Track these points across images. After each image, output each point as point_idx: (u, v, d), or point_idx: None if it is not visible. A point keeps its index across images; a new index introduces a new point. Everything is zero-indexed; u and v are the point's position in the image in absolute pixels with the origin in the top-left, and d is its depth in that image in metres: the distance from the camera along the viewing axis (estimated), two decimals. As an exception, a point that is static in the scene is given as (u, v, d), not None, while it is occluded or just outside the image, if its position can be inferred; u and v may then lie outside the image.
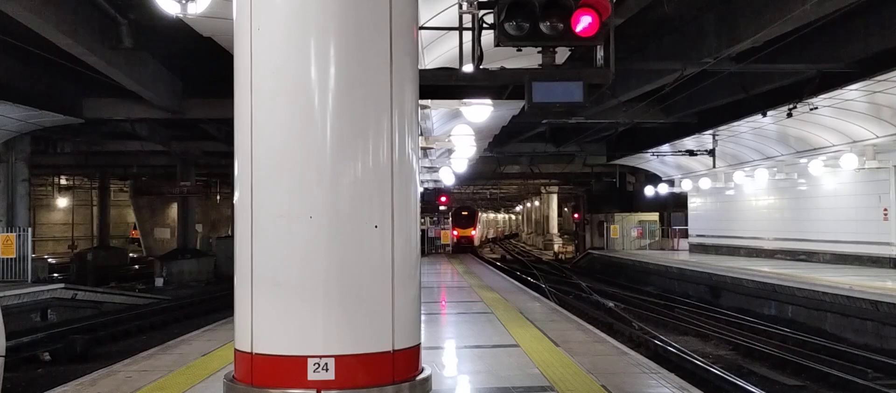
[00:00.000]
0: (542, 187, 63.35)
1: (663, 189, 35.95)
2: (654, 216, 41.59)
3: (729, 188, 29.76)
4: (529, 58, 6.54)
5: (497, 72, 6.35)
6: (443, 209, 50.21)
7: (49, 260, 35.82)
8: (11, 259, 21.40)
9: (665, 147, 29.91)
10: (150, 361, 9.57)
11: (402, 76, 3.49)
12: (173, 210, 43.25)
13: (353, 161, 3.38)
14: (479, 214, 66.74)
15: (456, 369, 9.27)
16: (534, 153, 36.79)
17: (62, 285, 22.02)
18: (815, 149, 22.52)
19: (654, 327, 17.78)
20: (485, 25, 6.03)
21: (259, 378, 3.39)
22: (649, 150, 30.69)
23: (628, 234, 40.51)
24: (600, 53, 5.89)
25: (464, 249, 51.90)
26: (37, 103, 20.71)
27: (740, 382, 11.29)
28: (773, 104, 19.41)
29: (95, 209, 47.93)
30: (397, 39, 3.46)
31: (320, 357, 3.30)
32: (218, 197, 51.16)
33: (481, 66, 6.21)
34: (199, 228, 43.52)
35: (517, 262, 46.84)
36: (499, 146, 31.72)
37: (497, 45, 5.82)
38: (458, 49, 6.52)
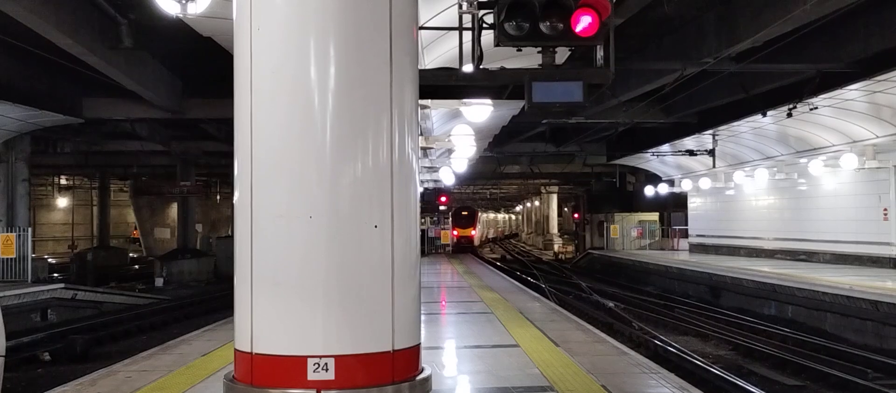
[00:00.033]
0: (542, 187, 63.36)
1: (663, 189, 35.95)
2: (654, 216, 41.59)
3: (729, 188, 29.76)
4: (529, 58, 6.54)
5: (497, 72, 6.35)
6: (443, 209, 50.20)
7: (49, 260, 35.82)
8: (11, 259, 21.39)
9: (665, 147, 29.91)
10: (150, 361, 9.57)
11: (402, 76, 3.50)
12: (173, 210, 43.25)
13: (353, 161, 3.38)
14: (479, 213, 66.75)
15: (456, 369, 9.27)
16: (534, 153, 36.78)
17: (62, 285, 22.02)
18: (815, 149, 22.52)
19: (654, 327, 17.78)
20: (485, 25, 6.03)
21: (259, 378, 3.39)
22: (649, 150, 30.69)
23: (628, 234, 40.51)
24: (600, 53, 5.88)
25: (464, 249, 51.91)
26: (37, 103, 20.71)
27: (740, 382, 11.29)
28: (773, 104, 19.41)
29: (95, 209, 47.93)
30: (397, 39, 3.46)
31: (320, 357, 3.30)
32: (218, 197, 51.17)
33: (481, 66, 6.21)
34: (199, 228, 43.54)
35: (517, 262, 46.84)
36: (499, 146, 31.72)
37: (497, 45, 5.82)
38: (458, 49, 6.52)
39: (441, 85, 7.34)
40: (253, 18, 3.41)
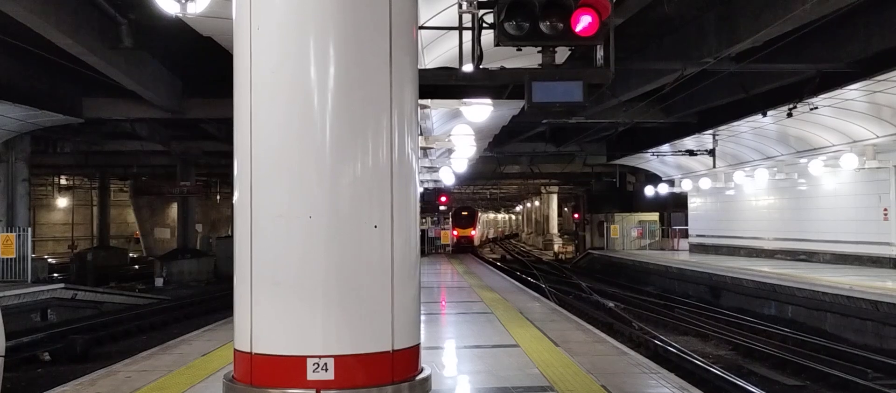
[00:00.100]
0: (542, 187, 63.36)
1: (663, 189, 35.95)
2: (654, 216, 41.58)
3: (729, 188, 29.76)
4: (529, 57, 6.54)
5: (497, 72, 6.35)
6: (443, 209, 50.20)
7: (49, 260, 35.83)
8: (11, 259, 21.39)
9: (665, 147, 29.91)
10: (150, 361, 9.57)
11: (402, 76, 3.49)
12: (173, 210, 43.25)
13: (353, 161, 3.38)
14: (479, 214, 66.75)
15: (456, 369, 9.27)
16: (534, 153, 36.78)
17: (62, 285, 22.02)
18: (815, 149, 22.52)
19: (654, 327, 17.78)
20: (485, 25, 6.03)
21: (258, 378, 3.39)
22: (649, 150, 30.69)
23: (628, 234, 40.50)
24: (600, 53, 5.88)
25: (464, 249, 51.91)
26: (37, 103, 20.71)
27: (740, 382, 11.29)
28: (773, 104, 19.41)
29: (95, 209, 47.92)
30: (397, 39, 3.45)
31: (320, 357, 3.30)
32: (218, 197, 51.18)
33: (481, 66, 6.21)
34: (199, 227, 43.55)
35: (517, 262, 46.84)
36: (499, 146, 31.72)
37: (497, 44, 5.81)
38: (457, 49, 6.51)
39: (441, 85, 7.34)
40: (253, 18, 3.41)
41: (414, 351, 3.56)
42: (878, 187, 20.80)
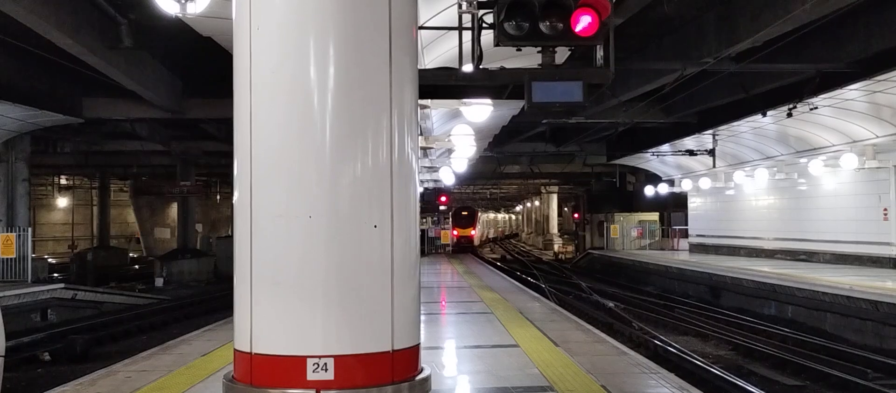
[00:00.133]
0: (542, 187, 63.35)
1: (663, 189, 35.95)
2: (654, 216, 41.58)
3: (729, 188, 29.76)
4: (529, 58, 6.53)
5: (497, 72, 6.34)
6: (443, 209, 50.22)
7: (49, 260, 35.81)
8: (11, 259, 21.39)
9: (665, 147, 29.91)
10: (150, 361, 9.57)
11: (402, 76, 3.49)
12: (173, 210, 43.25)
13: (353, 161, 3.38)
14: (479, 213, 66.76)
15: (455, 369, 9.27)
16: (534, 153, 36.78)
17: (62, 285, 22.01)
18: (815, 149, 22.52)
19: (653, 327, 17.78)
20: (484, 25, 6.02)
21: (258, 378, 3.39)
22: (649, 150, 30.68)
23: (628, 234, 40.50)
24: (600, 53, 5.87)
25: (464, 248, 51.92)
26: (37, 103, 20.71)
27: (740, 383, 11.29)
28: (773, 104, 19.41)
29: (95, 209, 47.92)
30: (397, 39, 3.46)
31: (319, 357, 3.30)
32: (218, 197, 51.17)
33: (481, 66, 6.20)
34: (199, 227, 43.53)
35: (517, 262, 46.83)
36: (499, 146, 31.72)
37: (497, 44, 5.81)
38: (457, 49, 6.51)
39: (441, 85, 7.33)
40: (252, 18, 3.41)
41: (414, 351, 3.56)
42: (878, 187, 20.80)
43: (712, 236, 32.05)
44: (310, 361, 3.30)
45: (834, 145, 21.51)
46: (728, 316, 19.17)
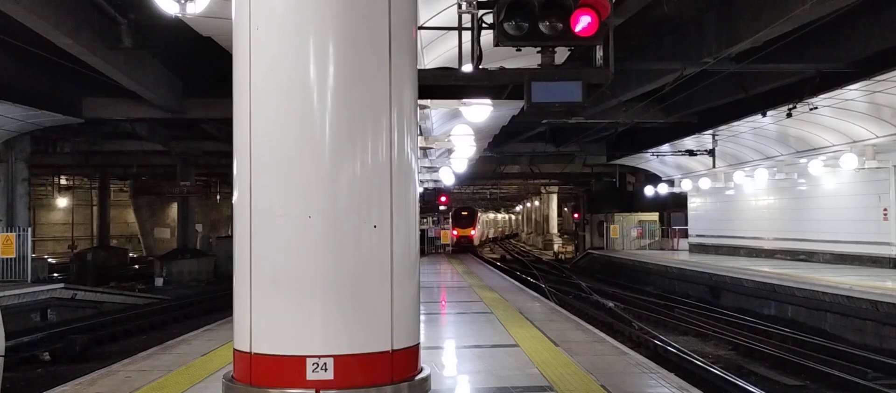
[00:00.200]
0: (542, 187, 63.36)
1: (663, 189, 35.95)
2: (654, 216, 41.59)
3: (729, 188, 29.76)
4: (529, 58, 6.53)
5: (496, 72, 6.34)
6: (443, 209, 50.22)
7: (49, 260, 35.80)
8: (11, 259, 21.39)
9: (665, 147, 29.91)
10: (150, 361, 9.57)
11: (401, 75, 3.49)
12: (173, 210, 43.25)
13: (352, 160, 3.38)
14: (479, 213, 66.73)
15: (455, 369, 9.26)
16: (534, 153, 36.79)
17: (62, 285, 22.02)
18: (814, 149, 22.52)
19: (653, 327, 17.78)
20: (484, 25, 6.02)
21: (258, 378, 3.39)
22: (649, 150, 30.68)
23: (628, 234, 40.50)
24: (600, 53, 5.87)
25: (464, 248, 51.90)
26: (37, 103, 20.71)
27: (740, 382, 11.29)
28: (773, 104, 19.41)
29: (95, 209, 47.91)
30: (396, 39, 3.46)
31: (319, 357, 3.30)
32: (218, 197, 51.17)
33: (481, 66, 6.20)
34: (199, 227, 43.52)
35: (517, 262, 46.84)
36: (499, 146, 31.72)
37: (496, 44, 5.81)
38: (457, 49, 6.51)
39: (440, 85, 7.33)
40: (252, 18, 3.41)
41: (413, 351, 3.56)
42: (878, 187, 20.80)
43: (712, 236, 32.05)
44: (309, 361, 3.30)
45: (834, 145, 21.51)
46: (728, 316, 19.17)
